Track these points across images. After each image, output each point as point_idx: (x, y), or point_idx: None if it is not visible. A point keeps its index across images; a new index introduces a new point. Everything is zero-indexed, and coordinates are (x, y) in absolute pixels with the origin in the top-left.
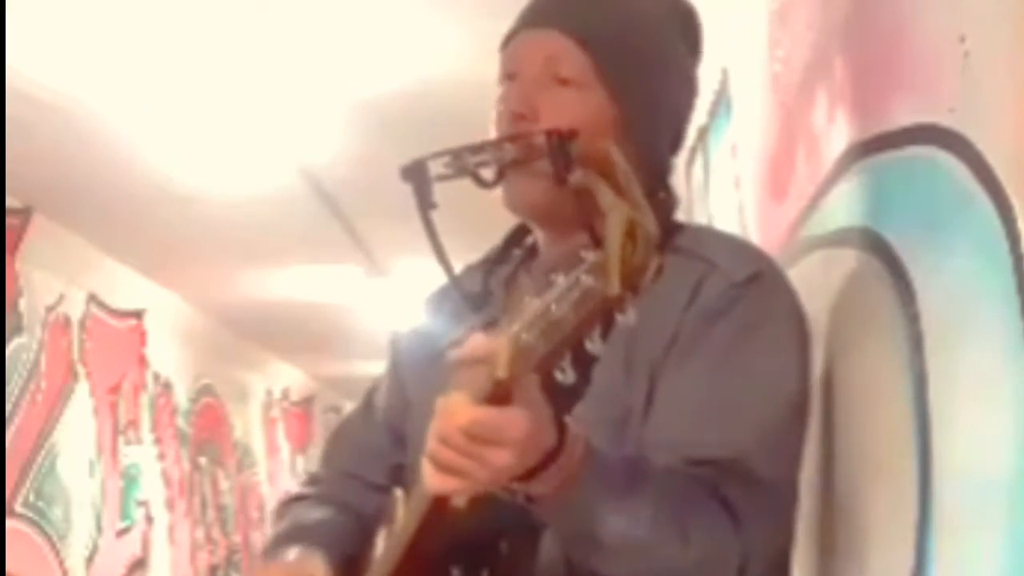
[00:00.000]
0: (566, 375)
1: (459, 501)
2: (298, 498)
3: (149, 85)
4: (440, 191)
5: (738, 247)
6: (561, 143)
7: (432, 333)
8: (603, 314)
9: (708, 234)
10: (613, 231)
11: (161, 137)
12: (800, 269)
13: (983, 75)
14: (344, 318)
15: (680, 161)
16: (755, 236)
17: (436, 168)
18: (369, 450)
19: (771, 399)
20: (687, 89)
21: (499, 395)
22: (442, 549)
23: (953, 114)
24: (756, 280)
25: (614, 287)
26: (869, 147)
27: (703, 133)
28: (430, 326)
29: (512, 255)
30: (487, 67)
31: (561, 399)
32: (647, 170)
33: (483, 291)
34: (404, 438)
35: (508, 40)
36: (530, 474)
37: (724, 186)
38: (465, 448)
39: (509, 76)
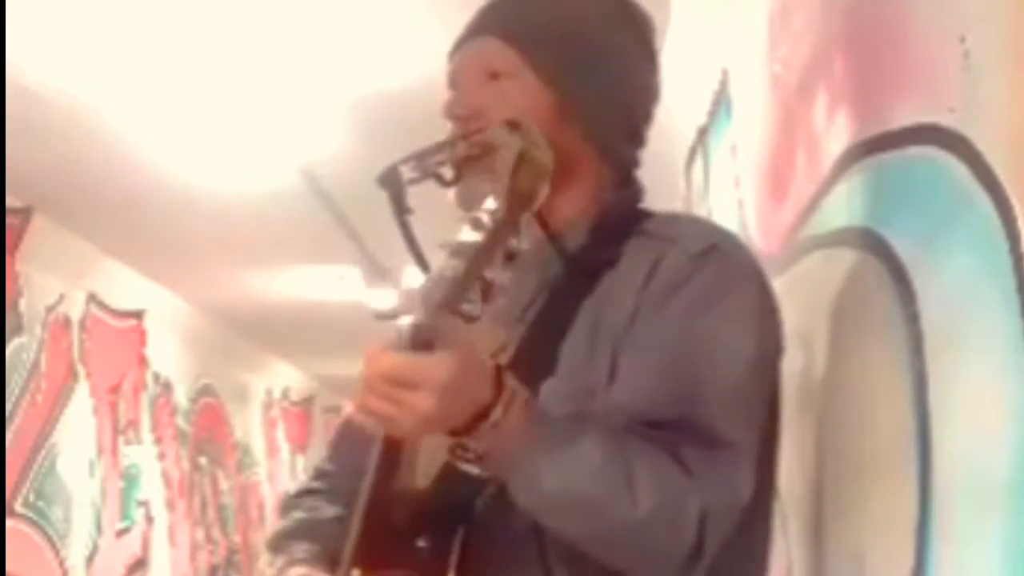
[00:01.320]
0: (474, 307)
1: (421, 481)
2: (306, 492)
3: (150, 85)
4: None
5: (698, 223)
6: (513, 133)
7: None
8: (499, 238)
9: (674, 217)
10: (501, 160)
11: (161, 137)
12: (800, 269)
13: (983, 75)
14: (344, 318)
15: (680, 161)
16: (755, 236)
17: (406, 173)
18: (372, 443)
19: (727, 362)
20: (638, 84)
21: (420, 341)
22: (409, 519)
23: (953, 114)
24: (713, 251)
25: (500, 210)
26: (869, 147)
27: (703, 133)
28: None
29: None
30: None
31: (538, 334)
32: (598, 157)
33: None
34: None
35: (450, 56)
36: (466, 428)
37: (724, 186)
38: (386, 393)
39: (451, 86)
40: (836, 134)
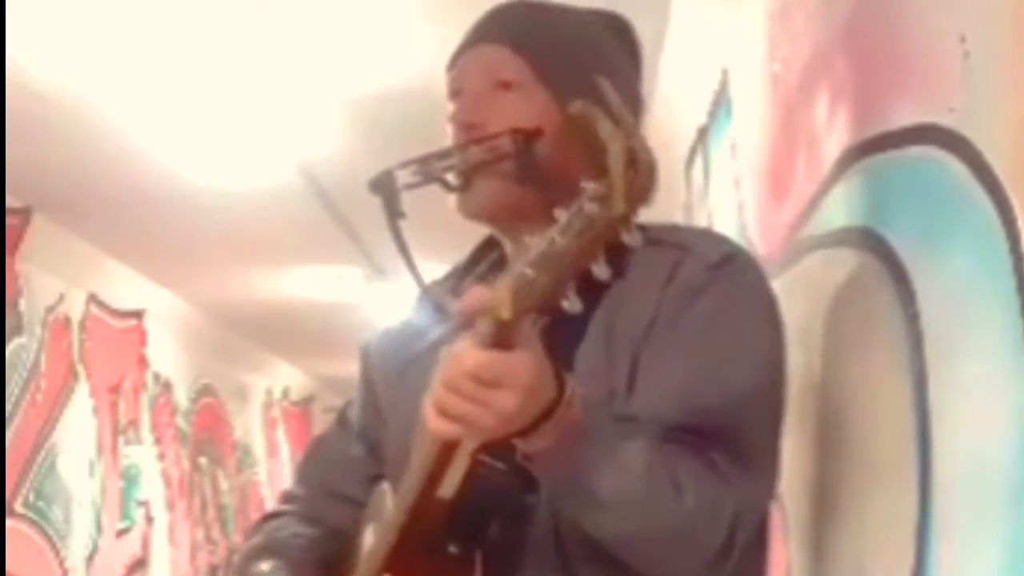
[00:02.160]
0: (572, 303)
1: (447, 492)
2: (273, 516)
3: (149, 84)
4: (418, 196)
5: (709, 234)
6: (527, 142)
7: (402, 342)
8: (610, 236)
9: (675, 227)
10: (615, 156)
11: (162, 137)
12: (800, 269)
13: (983, 75)
14: (344, 318)
15: (680, 162)
16: (755, 236)
17: (404, 177)
18: (345, 464)
19: (749, 369)
20: (635, 98)
21: (503, 339)
22: (440, 524)
23: (953, 114)
24: (729, 261)
25: (619, 207)
26: (869, 147)
27: (703, 133)
28: (400, 335)
29: (478, 268)
30: None
31: (551, 341)
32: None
33: (452, 299)
34: (380, 448)
35: (452, 63)
36: (530, 428)
37: (724, 186)
38: (472, 392)
39: (455, 93)
40: (836, 134)
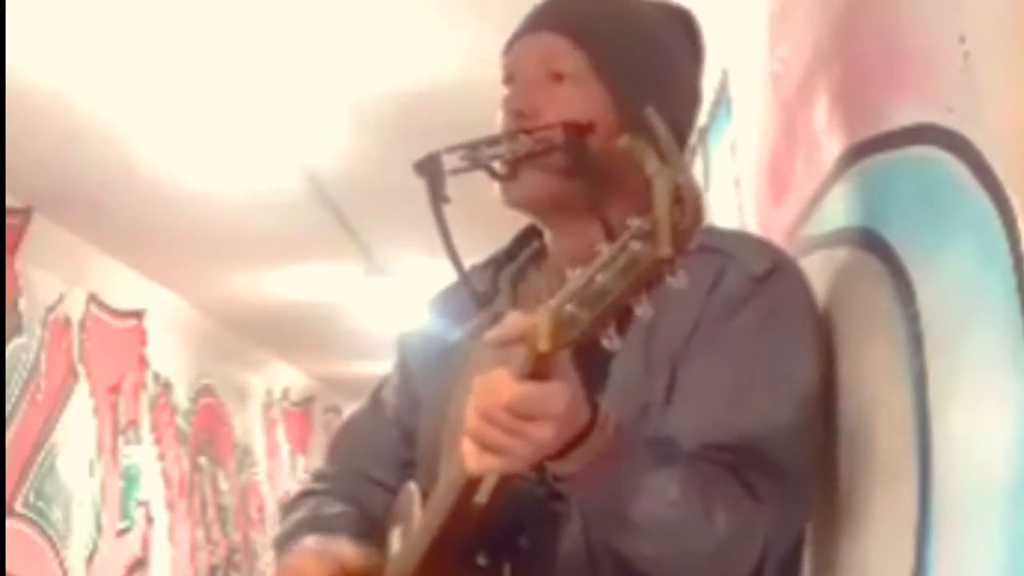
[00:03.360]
0: (612, 342)
1: (481, 497)
2: (306, 494)
3: (150, 85)
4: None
5: (754, 241)
6: (578, 135)
7: (439, 332)
8: (653, 278)
9: (718, 230)
10: (661, 194)
11: (162, 137)
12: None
13: (983, 75)
14: (344, 318)
15: None
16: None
17: (450, 162)
18: (377, 447)
19: (791, 388)
20: (689, 94)
21: (540, 370)
22: (469, 538)
23: (953, 114)
24: (775, 272)
25: (666, 249)
26: (869, 147)
27: (703, 133)
28: (437, 325)
29: (519, 255)
30: (488, 67)
31: (588, 350)
32: None
33: (490, 288)
34: (413, 435)
35: (508, 47)
36: (564, 451)
37: (724, 186)
38: (509, 425)
39: (508, 79)
40: (836, 134)
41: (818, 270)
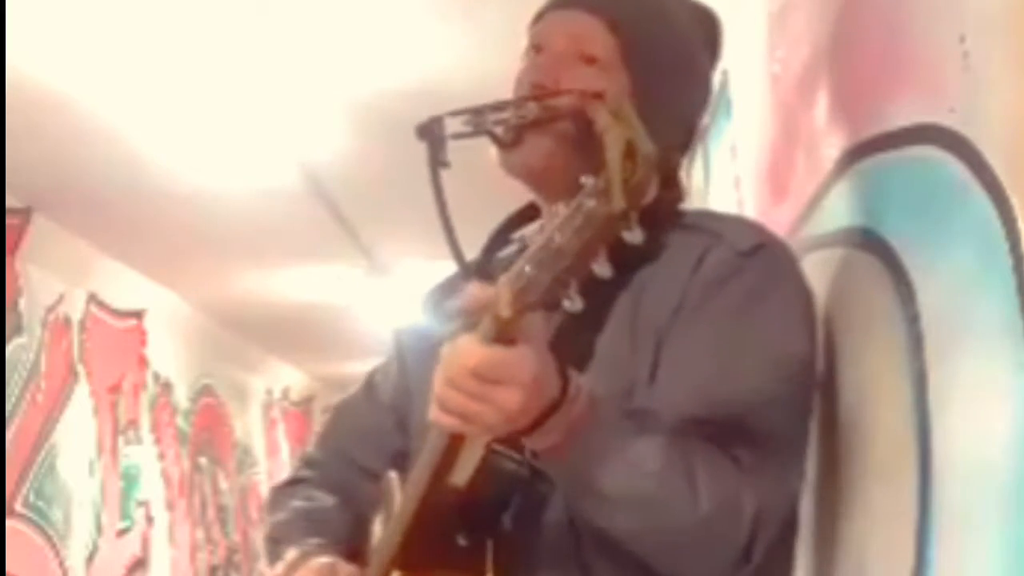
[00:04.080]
0: (574, 303)
1: (460, 480)
2: (294, 482)
3: (150, 84)
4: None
5: (743, 221)
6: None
7: (434, 327)
8: (608, 234)
9: (712, 213)
10: (612, 150)
11: (162, 136)
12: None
13: (983, 75)
14: (344, 318)
15: None
16: None
17: (454, 127)
18: (369, 434)
19: (777, 360)
20: (703, 91)
21: (504, 335)
22: (449, 516)
23: (953, 114)
24: (761, 249)
25: (618, 203)
26: (869, 147)
27: (703, 133)
28: (432, 320)
29: (513, 239)
30: (489, 65)
31: (572, 328)
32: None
33: (485, 268)
34: (406, 424)
35: (539, 16)
36: (535, 424)
37: (724, 186)
38: (474, 389)
39: (535, 49)
40: (836, 134)
41: (818, 270)
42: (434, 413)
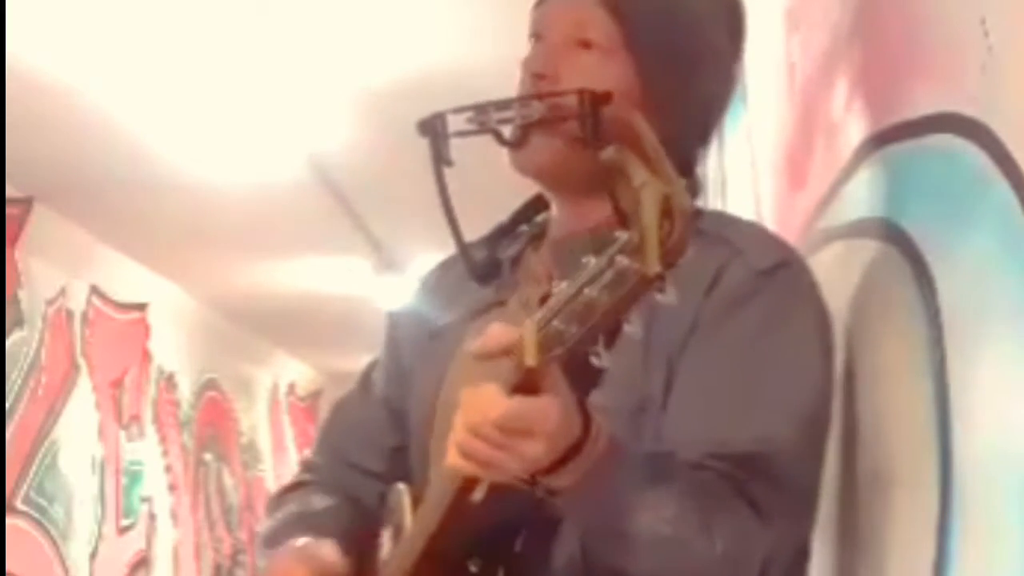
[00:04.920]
0: (602, 359)
1: (478, 495)
2: (295, 486)
3: (153, 73)
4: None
5: (763, 234)
6: (593, 104)
7: (432, 307)
8: (642, 295)
9: (730, 219)
10: (648, 209)
11: (166, 126)
12: (819, 261)
13: (1005, 62)
14: (351, 311)
15: None
16: (772, 226)
17: (457, 125)
18: (366, 435)
19: (796, 392)
20: (723, 81)
21: (529, 384)
22: (460, 543)
23: (975, 103)
24: (781, 269)
25: (654, 266)
26: (889, 136)
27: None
28: (429, 300)
29: (520, 232)
30: (497, 56)
31: (597, 383)
32: (671, 155)
33: (489, 263)
34: (404, 416)
35: (539, 2)
36: (555, 466)
37: (740, 176)
38: (497, 441)
39: (535, 36)
40: (855, 123)
41: (837, 262)
42: (453, 458)
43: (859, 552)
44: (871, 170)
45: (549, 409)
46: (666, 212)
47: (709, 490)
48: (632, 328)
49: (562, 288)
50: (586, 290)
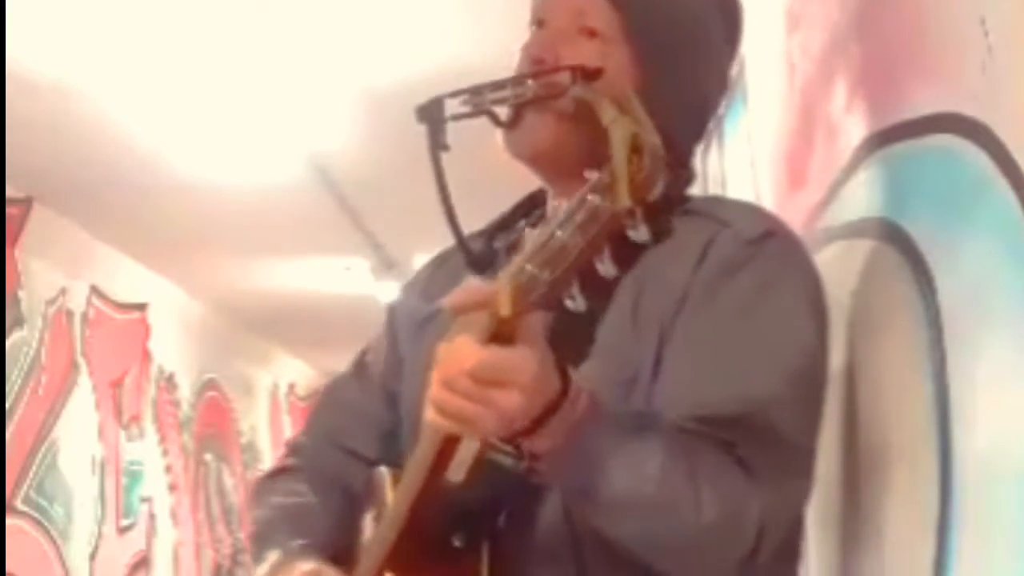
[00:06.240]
0: (576, 302)
1: (456, 475)
2: (280, 471)
3: (153, 73)
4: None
5: (750, 207)
6: (586, 80)
7: (425, 296)
8: (613, 231)
9: (721, 200)
10: (617, 145)
11: (166, 126)
12: (819, 261)
13: (1005, 62)
14: (352, 311)
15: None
16: None
17: (453, 109)
18: (360, 417)
19: (786, 354)
20: (717, 77)
21: (503, 335)
22: (443, 517)
23: (975, 102)
24: (770, 237)
25: (623, 199)
26: (889, 136)
27: (719, 121)
28: (424, 289)
29: (517, 227)
30: (498, 56)
31: (575, 327)
32: (667, 146)
33: (486, 252)
34: (396, 403)
35: None
36: (534, 426)
37: (740, 174)
38: (472, 392)
39: (537, 23)
40: (855, 123)
41: (837, 261)
42: (430, 415)
43: (861, 550)
44: (871, 170)
45: (524, 360)
46: (635, 148)
47: (696, 451)
48: (604, 268)
49: (534, 235)
50: (558, 232)
